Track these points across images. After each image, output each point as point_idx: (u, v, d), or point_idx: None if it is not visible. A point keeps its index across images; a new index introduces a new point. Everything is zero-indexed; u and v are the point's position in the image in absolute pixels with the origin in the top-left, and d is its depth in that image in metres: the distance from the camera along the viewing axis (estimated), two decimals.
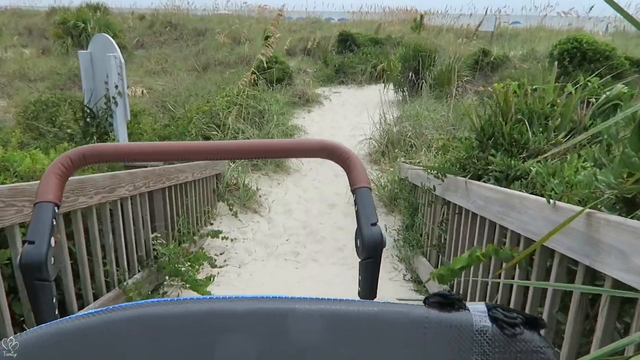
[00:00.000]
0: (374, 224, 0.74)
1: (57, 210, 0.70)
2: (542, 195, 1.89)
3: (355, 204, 0.77)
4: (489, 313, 0.50)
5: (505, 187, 2.26)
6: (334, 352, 0.48)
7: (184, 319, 0.50)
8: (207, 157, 0.84)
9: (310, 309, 0.50)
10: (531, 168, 2.25)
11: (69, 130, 5.56)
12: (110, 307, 0.51)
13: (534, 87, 2.97)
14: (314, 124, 9.13)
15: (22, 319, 2.07)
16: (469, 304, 0.52)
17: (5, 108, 10.13)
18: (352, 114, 9.79)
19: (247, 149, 0.84)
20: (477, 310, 0.51)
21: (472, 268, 2.28)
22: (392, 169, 6.19)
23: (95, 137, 5.04)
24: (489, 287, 2.20)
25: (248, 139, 6.68)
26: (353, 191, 0.79)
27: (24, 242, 0.66)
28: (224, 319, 0.50)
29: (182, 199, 3.94)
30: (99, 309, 0.50)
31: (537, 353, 0.49)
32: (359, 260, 0.75)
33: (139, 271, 3.09)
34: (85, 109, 5.14)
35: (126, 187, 2.79)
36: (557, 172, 2.03)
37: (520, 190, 2.11)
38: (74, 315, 0.50)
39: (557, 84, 3.00)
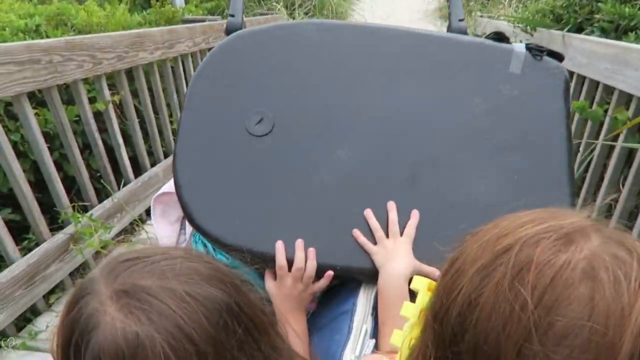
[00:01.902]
0: (461, 20, 1.03)
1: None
2: None
3: (449, 7, 1.05)
4: (526, 46, 0.87)
5: (614, 40, 1.92)
6: (432, 55, 0.89)
7: (351, 29, 0.92)
8: None
9: (425, 35, 0.91)
10: None
11: None
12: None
13: None
14: None
15: (98, 174, 2.13)
16: (513, 43, 0.90)
17: None
18: None
19: None
20: (517, 45, 0.88)
21: None
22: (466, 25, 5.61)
23: None
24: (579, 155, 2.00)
25: None
26: None
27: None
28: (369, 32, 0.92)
29: None
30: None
31: (553, 69, 0.86)
32: None
33: None
34: None
35: (185, 43, 2.65)
36: None
37: (635, 43, 1.78)
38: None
39: None
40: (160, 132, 2.59)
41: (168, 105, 2.67)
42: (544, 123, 0.84)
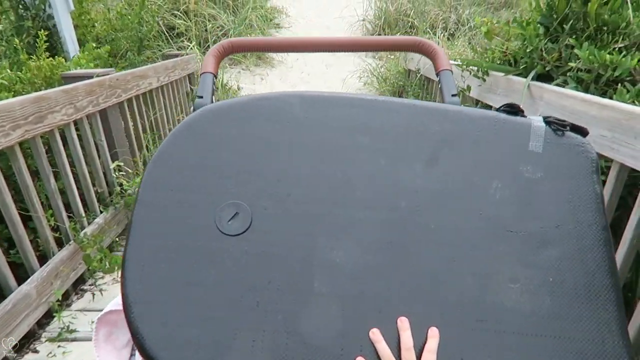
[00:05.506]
0: (454, 95, 0.94)
1: (215, 79, 0.95)
2: None
3: (439, 82, 0.97)
4: (544, 119, 0.78)
5: (594, 95, 1.60)
6: (439, 131, 0.75)
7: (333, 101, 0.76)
8: (330, 50, 1.04)
9: (429, 107, 0.78)
10: (637, 67, 1.57)
11: None
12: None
13: None
14: (296, 4, 7.98)
15: None
16: (529, 116, 0.79)
17: None
18: None
19: (354, 43, 1.03)
20: (534, 118, 0.78)
21: None
22: (393, 57, 5.37)
23: (31, 33, 4.06)
24: None
25: (222, 26, 5.70)
26: (437, 74, 0.98)
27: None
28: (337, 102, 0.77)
29: (147, 113, 3.18)
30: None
31: (579, 146, 0.76)
32: None
33: (101, 212, 2.45)
34: None
35: (63, 111, 2.04)
36: None
37: (631, 103, 1.45)
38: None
39: None
40: (33, 235, 1.95)
41: (59, 190, 2.04)
42: (574, 211, 0.72)
